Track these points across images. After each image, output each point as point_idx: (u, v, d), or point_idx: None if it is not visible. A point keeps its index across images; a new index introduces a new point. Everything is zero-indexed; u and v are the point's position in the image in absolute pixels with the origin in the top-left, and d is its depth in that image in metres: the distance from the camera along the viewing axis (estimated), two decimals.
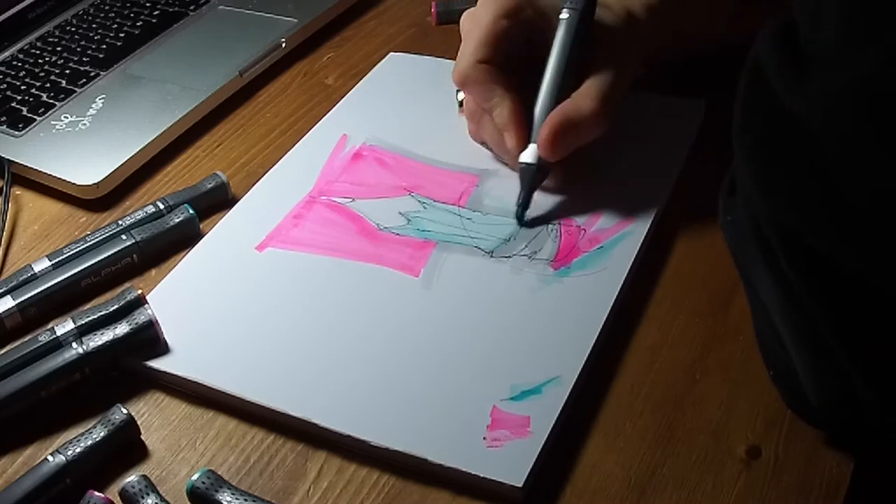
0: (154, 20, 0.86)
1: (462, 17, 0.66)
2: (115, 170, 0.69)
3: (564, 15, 0.62)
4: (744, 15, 0.67)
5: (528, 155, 0.61)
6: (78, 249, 0.62)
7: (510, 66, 0.63)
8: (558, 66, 0.62)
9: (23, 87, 0.79)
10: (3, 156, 0.71)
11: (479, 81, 0.62)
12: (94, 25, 0.86)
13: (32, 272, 0.61)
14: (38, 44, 0.85)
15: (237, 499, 0.47)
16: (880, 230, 0.39)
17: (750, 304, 0.49)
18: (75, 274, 0.61)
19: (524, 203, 0.61)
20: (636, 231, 0.59)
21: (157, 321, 0.55)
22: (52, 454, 0.49)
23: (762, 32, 0.44)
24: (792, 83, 0.40)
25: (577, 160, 0.62)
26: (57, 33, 0.86)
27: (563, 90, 0.61)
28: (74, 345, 0.54)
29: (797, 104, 0.40)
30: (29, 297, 0.59)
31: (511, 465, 0.47)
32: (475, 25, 0.63)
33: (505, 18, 0.62)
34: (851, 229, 0.39)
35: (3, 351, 0.57)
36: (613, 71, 0.61)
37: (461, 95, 0.68)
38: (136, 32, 0.85)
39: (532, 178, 0.61)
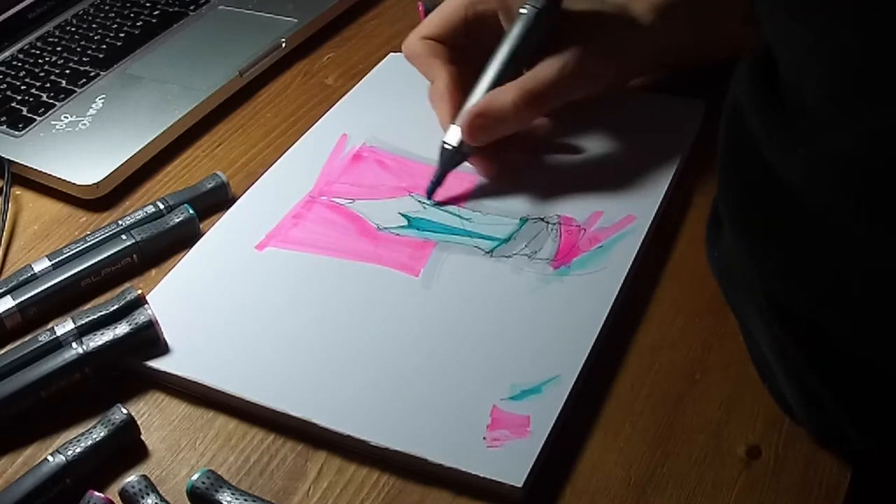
0: (154, 20, 0.86)
1: None
2: (115, 170, 0.69)
3: (523, 10, 0.62)
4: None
5: (449, 135, 0.62)
6: (78, 249, 0.63)
7: (465, 50, 0.64)
8: (501, 56, 0.62)
9: (23, 87, 0.79)
10: (3, 156, 0.71)
11: (419, 55, 0.64)
12: (94, 25, 0.87)
13: (32, 272, 0.61)
14: (38, 44, 0.85)
15: (237, 499, 0.47)
16: (878, 308, 0.37)
17: (739, 326, 0.49)
18: (75, 274, 0.61)
19: (436, 181, 0.63)
20: (636, 230, 0.59)
21: (157, 321, 0.55)
22: (52, 454, 0.49)
23: (738, 66, 0.43)
24: (776, 143, 0.39)
25: (500, 149, 0.63)
26: (57, 33, 0.86)
27: (500, 80, 0.62)
28: (74, 345, 0.54)
29: (786, 171, 0.38)
30: (29, 297, 0.59)
31: (511, 464, 0.47)
32: (438, 8, 0.65)
33: (467, 6, 0.64)
34: (846, 304, 0.38)
35: (3, 351, 0.57)
36: (557, 67, 0.61)
37: None
38: (136, 32, 0.85)
39: (448, 160, 0.62)
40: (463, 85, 0.63)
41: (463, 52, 0.64)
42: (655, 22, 0.63)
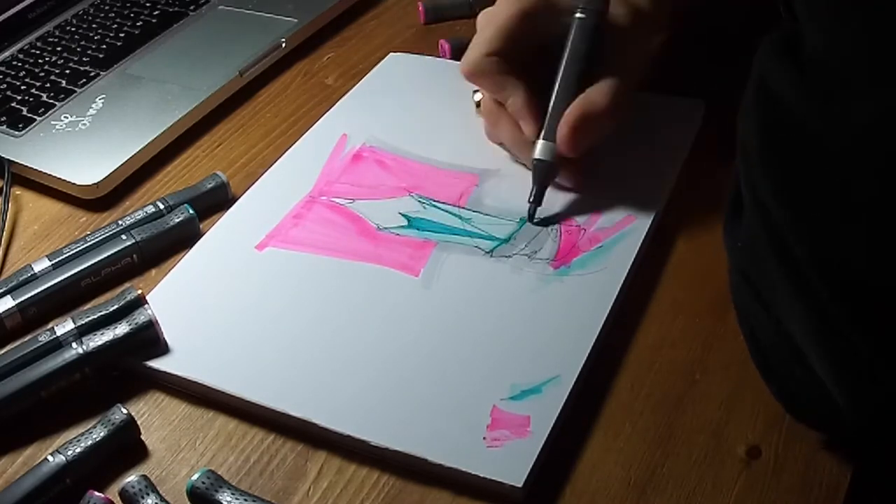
0: (154, 20, 0.86)
1: (479, 15, 0.65)
2: (115, 170, 0.69)
3: (580, 14, 0.62)
4: None
5: (541, 151, 0.61)
6: (78, 249, 0.62)
7: (521, 62, 0.63)
8: (572, 64, 0.61)
9: (23, 87, 0.79)
10: (3, 156, 0.71)
11: (489, 73, 0.62)
12: (94, 25, 0.86)
13: (32, 272, 0.61)
14: (38, 44, 0.85)
15: (237, 499, 0.47)
16: None
17: (751, 323, 0.48)
18: (75, 274, 0.61)
19: (537, 199, 0.61)
20: (636, 230, 0.59)
21: (156, 321, 0.55)
22: (52, 454, 0.49)
23: (762, 46, 0.43)
24: (815, 110, 0.40)
25: (586, 159, 0.62)
26: (57, 33, 0.86)
27: (577, 88, 0.61)
28: (74, 345, 0.54)
29: (828, 135, 0.39)
30: (29, 297, 0.59)
31: (511, 464, 0.47)
32: (489, 22, 0.63)
33: (520, 16, 0.62)
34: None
35: (3, 351, 0.57)
36: (624, 67, 0.61)
37: (478, 96, 0.68)
38: (136, 32, 0.85)
39: (545, 174, 0.61)
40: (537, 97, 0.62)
41: (522, 63, 0.63)
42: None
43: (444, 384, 0.52)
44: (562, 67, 0.62)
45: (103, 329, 0.55)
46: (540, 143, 0.61)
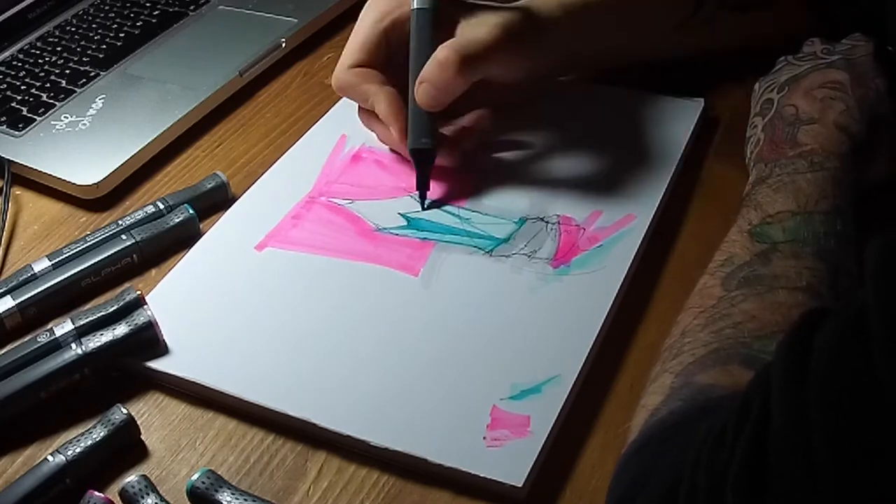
0: (154, 20, 0.86)
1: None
2: (115, 170, 0.69)
3: (417, 5, 0.62)
4: (690, 27, 0.68)
5: (412, 142, 0.62)
6: (78, 249, 0.63)
7: (394, 64, 0.64)
8: (419, 54, 0.62)
9: (23, 87, 0.79)
10: (3, 156, 0.71)
11: (351, 85, 0.64)
12: (94, 25, 0.86)
13: (32, 272, 0.61)
14: (38, 44, 0.85)
15: (237, 499, 0.47)
16: None
17: None
18: (75, 274, 0.61)
19: (421, 188, 0.63)
20: (635, 229, 0.59)
21: (156, 322, 0.55)
22: (52, 454, 0.49)
23: (870, 248, 0.33)
24: None
25: (462, 138, 0.64)
26: (57, 33, 0.86)
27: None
28: (73, 346, 0.54)
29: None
30: (29, 297, 0.59)
31: (511, 464, 0.47)
32: (353, 34, 0.65)
33: (376, 23, 0.64)
34: None
35: (3, 351, 0.57)
36: (470, 33, 0.61)
37: None
38: (136, 32, 0.85)
39: (422, 161, 0.62)
40: (403, 100, 0.63)
41: (390, 67, 0.64)
42: (561, 20, 0.64)
43: (444, 384, 0.52)
44: (411, 59, 0.62)
45: (103, 330, 0.55)
46: (410, 135, 0.62)
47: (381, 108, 0.63)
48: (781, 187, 0.54)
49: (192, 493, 0.48)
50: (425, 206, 0.63)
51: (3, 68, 0.82)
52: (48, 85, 0.79)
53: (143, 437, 0.52)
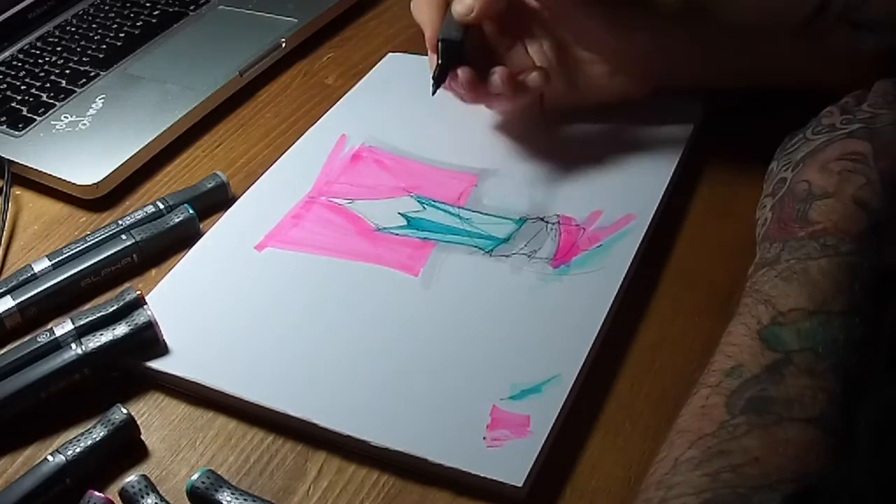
0: (154, 20, 0.86)
1: None
2: (115, 170, 0.69)
3: None
4: (803, 37, 0.62)
5: (442, 32, 0.63)
6: (78, 249, 0.63)
7: None
8: None
9: (23, 87, 0.79)
10: (3, 156, 0.71)
11: None
12: (94, 25, 0.87)
13: (32, 272, 0.61)
14: (38, 44, 0.85)
15: (237, 499, 0.47)
16: None
17: None
18: (75, 274, 0.61)
19: (441, 76, 0.63)
20: (635, 229, 0.59)
21: (156, 322, 0.55)
22: (52, 454, 0.49)
23: None
24: None
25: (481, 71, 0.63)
26: (57, 33, 0.86)
27: None
28: (73, 346, 0.54)
29: None
30: (29, 297, 0.59)
31: (511, 464, 0.47)
32: None
33: None
34: None
35: (3, 351, 0.57)
36: None
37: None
38: (136, 32, 0.85)
39: (450, 52, 0.63)
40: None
41: None
42: (644, 37, 0.62)
43: (444, 384, 0.52)
44: None
45: (102, 330, 0.55)
46: (442, 27, 0.63)
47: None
48: (792, 278, 0.48)
49: (192, 493, 0.48)
50: (434, 91, 0.63)
51: (3, 68, 0.82)
52: (48, 85, 0.79)
53: (143, 437, 0.52)
